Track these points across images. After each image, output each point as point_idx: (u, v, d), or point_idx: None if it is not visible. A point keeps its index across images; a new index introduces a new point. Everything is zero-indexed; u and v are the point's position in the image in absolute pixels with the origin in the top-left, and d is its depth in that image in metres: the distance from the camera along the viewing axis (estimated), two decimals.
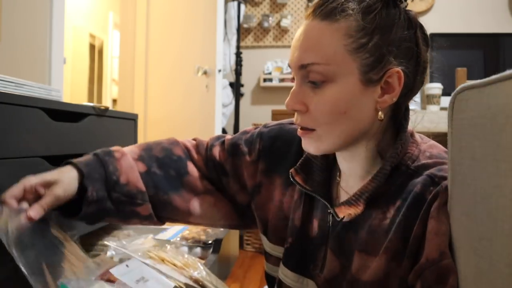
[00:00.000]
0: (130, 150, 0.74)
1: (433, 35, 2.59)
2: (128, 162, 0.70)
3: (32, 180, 0.62)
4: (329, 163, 0.67)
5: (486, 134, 0.40)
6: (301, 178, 0.65)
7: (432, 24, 2.74)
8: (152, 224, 0.74)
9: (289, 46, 3.24)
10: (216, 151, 0.78)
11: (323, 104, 0.55)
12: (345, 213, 0.58)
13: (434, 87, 2.29)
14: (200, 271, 0.56)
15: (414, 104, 2.43)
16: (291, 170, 0.66)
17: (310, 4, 3.16)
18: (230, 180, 0.76)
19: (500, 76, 0.38)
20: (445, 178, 0.52)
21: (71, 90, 3.39)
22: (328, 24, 0.54)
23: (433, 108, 2.26)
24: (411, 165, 0.57)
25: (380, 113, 0.56)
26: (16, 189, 0.61)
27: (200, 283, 0.55)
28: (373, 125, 0.58)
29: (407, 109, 0.62)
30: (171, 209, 0.73)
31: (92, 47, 3.85)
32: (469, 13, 2.73)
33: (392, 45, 0.55)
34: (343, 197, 0.64)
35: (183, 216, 0.75)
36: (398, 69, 0.55)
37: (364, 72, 0.54)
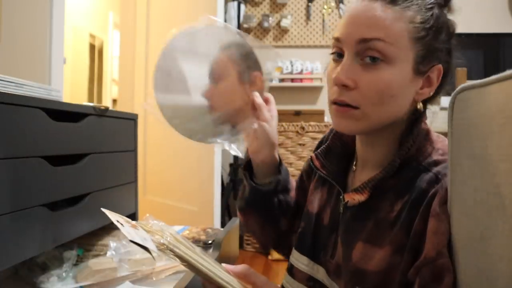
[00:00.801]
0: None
1: None
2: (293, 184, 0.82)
3: None
4: (348, 153, 0.70)
5: (486, 134, 0.40)
6: (320, 163, 0.69)
7: None
8: (269, 235, 0.81)
9: (289, 46, 3.24)
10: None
11: (377, 83, 0.56)
12: (350, 198, 0.61)
13: None
14: (166, 236, 0.54)
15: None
16: (312, 155, 0.70)
17: (310, 4, 3.16)
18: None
19: (500, 76, 0.38)
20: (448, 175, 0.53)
21: (71, 90, 3.39)
22: (395, 9, 0.56)
23: (433, 108, 2.26)
24: (423, 161, 0.59)
25: (419, 104, 0.60)
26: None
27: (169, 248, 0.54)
28: (407, 114, 0.61)
29: (426, 105, 0.65)
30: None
31: (92, 47, 3.85)
32: (469, 13, 2.73)
33: (440, 44, 0.59)
34: (356, 186, 0.65)
35: None
36: (440, 66, 0.59)
37: (417, 63, 0.57)
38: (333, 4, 3.18)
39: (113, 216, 0.58)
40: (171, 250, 0.53)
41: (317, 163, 0.69)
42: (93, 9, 3.89)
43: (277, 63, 3.08)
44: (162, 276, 0.89)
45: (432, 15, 0.58)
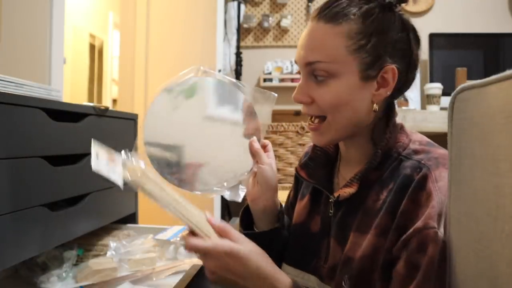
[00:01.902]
0: None
1: (433, 35, 2.59)
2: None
3: None
4: (330, 160, 0.75)
5: (486, 134, 0.40)
6: (305, 173, 0.73)
7: (432, 24, 2.74)
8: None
9: (289, 46, 3.24)
10: None
11: (327, 95, 0.62)
12: (341, 192, 0.65)
13: (434, 87, 2.29)
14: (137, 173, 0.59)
15: (414, 104, 2.44)
16: (296, 167, 0.74)
17: (310, 4, 3.16)
18: None
19: (500, 76, 0.38)
20: (431, 160, 0.59)
21: (71, 90, 3.38)
22: (331, 26, 0.61)
23: (433, 108, 2.26)
24: (402, 152, 0.63)
25: (375, 105, 0.63)
26: None
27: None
28: (370, 116, 0.64)
29: (393, 102, 0.69)
30: None
31: (92, 47, 3.85)
32: (469, 13, 2.73)
33: (388, 45, 0.62)
34: (342, 185, 0.69)
35: None
36: (393, 66, 0.61)
37: (363, 70, 0.61)
38: None
39: (96, 147, 0.62)
40: (137, 186, 0.59)
41: (302, 173, 0.73)
42: (93, 9, 3.89)
43: (277, 63, 3.09)
44: (162, 276, 0.89)
45: (372, 21, 0.61)
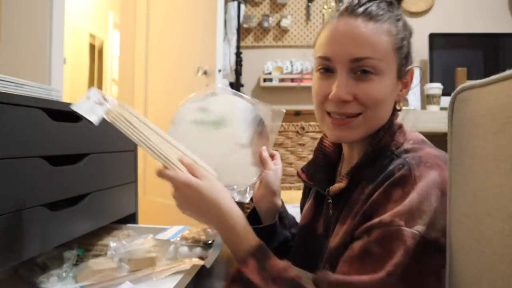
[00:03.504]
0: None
1: (433, 35, 2.59)
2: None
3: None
4: (331, 164, 0.77)
5: (486, 134, 0.40)
6: (306, 176, 0.75)
7: (432, 24, 2.74)
8: None
9: (289, 46, 3.23)
10: None
11: (372, 91, 0.62)
12: (332, 187, 0.67)
13: (434, 87, 2.29)
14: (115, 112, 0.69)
15: (414, 104, 2.44)
16: (298, 170, 0.77)
17: (310, 4, 3.16)
18: None
19: (500, 76, 0.38)
20: (414, 159, 0.59)
21: (71, 90, 3.38)
22: (375, 24, 0.62)
23: (433, 108, 2.26)
24: (395, 150, 0.64)
25: (399, 104, 0.67)
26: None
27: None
28: (389, 115, 0.67)
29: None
30: None
31: (92, 47, 3.85)
32: (469, 13, 2.73)
33: (410, 48, 0.66)
34: None
35: None
36: (413, 68, 0.67)
37: (398, 70, 0.64)
38: (333, 4, 3.17)
39: (92, 91, 0.68)
40: (113, 122, 0.66)
41: (303, 176, 0.76)
42: (93, 9, 3.89)
43: (277, 63, 3.08)
44: (162, 276, 0.89)
45: (402, 23, 0.65)
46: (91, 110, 0.65)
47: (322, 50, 0.64)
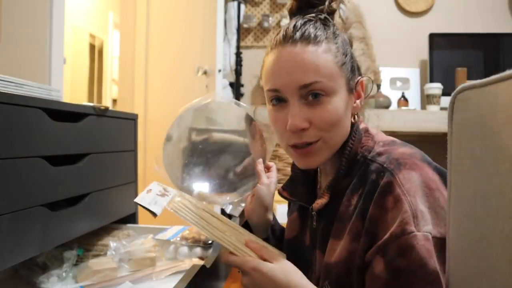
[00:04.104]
0: None
1: (433, 35, 2.59)
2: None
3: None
4: (310, 178, 0.78)
5: (486, 134, 0.40)
6: (287, 193, 0.78)
7: (432, 24, 2.74)
8: None
9: None
10: None
11: (326, 114, 0.62)
12: (315, 204, 0.68)
13: (434, 87, 2.29)
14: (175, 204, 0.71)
15: (414, 104, 2.44)
16: (278, 189, 0.78)
17: None
18: None
19: (500, 76, 0.38)
20: (392, 163, 0.59)
21: (71, 90, 3.38)
22: (315, 47, 0.61)
23: (433, 108, 2.26)
24: (368, 155, 0.64)
25: (354, 116, 0.67)
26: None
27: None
28: (349, 128, 0.67)
29: None
30: None
31: (92, 47, 3.85)
32: (469, 13, 2.73)
33: (353, 58, 0.66)
34: None
35: None
36: (363, 78, 0.67)
37: (347, 84, 0.64)
38: None
39: (154, 185, 0.73)
40: (175, 212, 0.67)
41: (285, 194, 0.77)
42: (93, 9, 3.89)
43: None
44: (162, 276, 0.89)
45: (340, 38, 0.65)
46: (154, 202, 0.69)
47: (270, 83, 0.64)
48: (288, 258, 0.75)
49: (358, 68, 0.68)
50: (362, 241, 0.57)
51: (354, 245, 0.59)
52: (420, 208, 0.54)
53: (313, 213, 0.70)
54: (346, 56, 0.64)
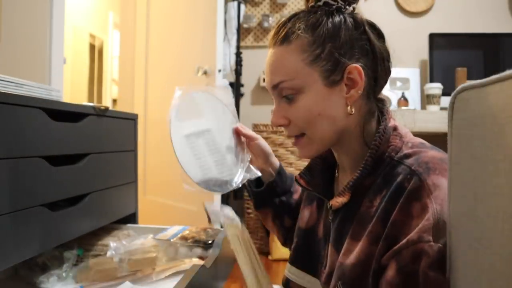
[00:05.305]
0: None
1: (433, 35, 2.59)
2: (298, 188, 0.89)
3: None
4: (329, 166, 0.75)
5: (486, 134, 0.40)
6: (304, 182, 0.74)
7: (432, 24, 2.74)
8: (278, 230, 0.90)
9: None
10: None
11: (299, 112, 0.64)
12: (334, 202, 0.65)
13: (434, 87, 2.29)
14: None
15: (414, 104, 2.44)
16: (296, 176, 0.76)
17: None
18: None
19: (500, 76, 0.38)
20: (421, 166, 0.57)
21: (71, 90, 3.39)
22: (285, 47, 0.63)
23: (433, 108, 2.26)
24: (394, 156, 0.62)
25: (349, 107, 0.63)
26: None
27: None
28: (349, 119, 0.64)
29: (380, 101, 0.68)
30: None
31: (92, 47, 3.85)
32: (469, 13, 2.73)
33: (344, 47, 0.62)
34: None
35: None
36: (357, 65, 0.62)
37: (326, 77, 0.62)
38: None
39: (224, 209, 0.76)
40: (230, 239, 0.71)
41: (302, 182, 0.74)
42: (93, 9, 3.89)
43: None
44: (162, 276, 0.89)
45: (321, 29, 0.62)
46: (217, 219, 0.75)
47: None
48: (300, 248, 0.76)
49: (360, 50, 0.63)
50: (381, 245, 0.56)
51: (372, 248, 0.57)
52: (445, 218, 0.52)
53: (329, 206, 0.68)
54: (324, 47, 0.61)
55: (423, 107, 2.57)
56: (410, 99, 2.52)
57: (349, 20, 0.63)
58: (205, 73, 2.15)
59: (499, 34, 2.55)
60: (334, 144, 0.67)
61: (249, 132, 0.84)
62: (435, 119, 2.13)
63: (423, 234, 0.51)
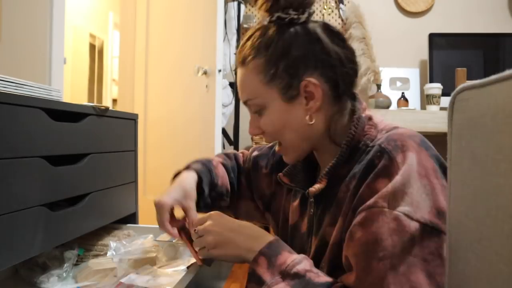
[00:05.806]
0: (217, 160, 0.93)
1: (433, 35, 2.59)
2: (222, 170, 0.91)
3: (168, 205, 0.82)
4: (311, 165, 0.78)
5: (486, 134, 0.40)
6: (287, 179, 0.78)
7: (432, 24, 2.74)
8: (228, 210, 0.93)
9: None
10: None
11: (267, 125, 0.69)
12: (311, 189, 0.68)
13: (434, 87, 2.29)
14: None
15: (414, 104, 2.44)
16: (279, 174, 0.79)
17: None
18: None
19: (500, 76, 0.38)
20: (390, 144, 0.59)
21: (71, 90, 3.39)
22: (245, 69, 0.68)
23: (433, 108, 2.26)
24: (369, 144, 0.64)
25: (307, 117, 0.66)
26: (165, 217, 0.84)
27: None
28: (315, 126, 0.67)
29: (352, 97, 0.70)
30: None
31: (92, 47, 3.85)
32: (469, 13, 2.73)
33: (297, 62, 0.65)
34: None
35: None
36: (310, 79, 0.64)
37: (284, 93, 0.66)
38: (333, 4, 3.18)
39: None
40: None
41: (285, 179, 0.78)
42: (93, 9, 3.89)
43: None
44: (162, 276, 0.89)
45: (273, 49, 0.65)
46: None
47: None
48: (287, 244, 0.77)
49: (314, 62, 0.64)
50: (349, 217, 0.59)
51: (345, 225, 0.60)
52: (405, 189, 0.54)
53: (311, 200, 0.71)
54: (277, 65, 0.64)
55: (423, 107, 2.57)
56: (410, 99, 2.52)
57: (300, 32, 0.65)
58: (205, 73, 2.15)
59: (499, 34, 2.55)
60: (310, 149, 0.71)
61: (169, 231, 0.86)
62: (435, 119, 2.13)
63: (378, 199, 0.54)
